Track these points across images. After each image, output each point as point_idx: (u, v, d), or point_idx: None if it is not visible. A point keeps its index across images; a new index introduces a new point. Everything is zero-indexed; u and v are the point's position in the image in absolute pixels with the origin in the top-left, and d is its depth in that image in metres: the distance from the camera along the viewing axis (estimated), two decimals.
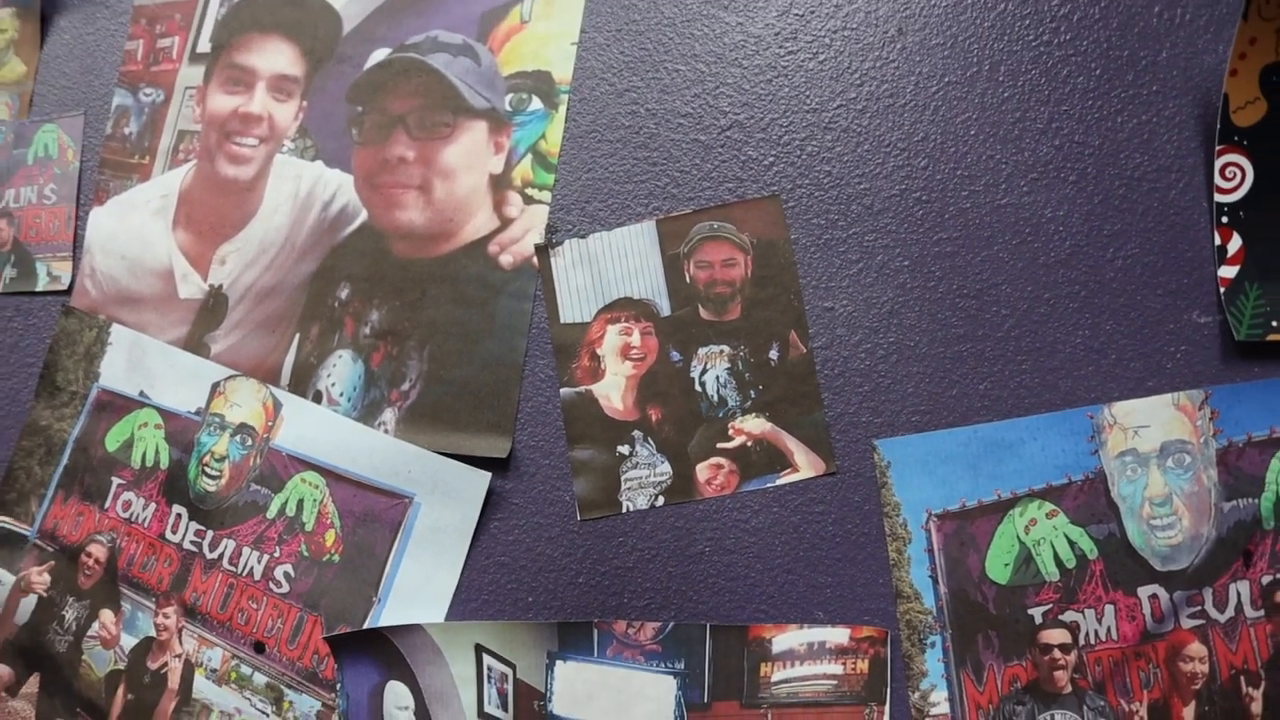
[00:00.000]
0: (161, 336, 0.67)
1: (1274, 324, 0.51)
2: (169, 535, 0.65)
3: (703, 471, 0.57)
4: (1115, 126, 0.54)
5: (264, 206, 0.66)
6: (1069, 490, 0.52)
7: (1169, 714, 0.51)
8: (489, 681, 0.56)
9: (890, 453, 0.54)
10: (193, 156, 0.69)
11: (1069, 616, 0.52)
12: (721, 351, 0.57)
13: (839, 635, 0.53)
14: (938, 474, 0.54)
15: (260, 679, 0.61)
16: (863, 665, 0.53)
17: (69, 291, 0.70)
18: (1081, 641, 0.52)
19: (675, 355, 0.58)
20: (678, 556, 0.57)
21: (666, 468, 0.57)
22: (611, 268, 0.59)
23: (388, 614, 0.59)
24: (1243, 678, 0.50)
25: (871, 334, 0.56)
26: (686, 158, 0.59)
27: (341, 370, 0.63)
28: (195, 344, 0.67)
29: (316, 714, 0.59)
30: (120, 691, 0.64)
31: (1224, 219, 0.52)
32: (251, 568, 0.62)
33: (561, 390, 0.59)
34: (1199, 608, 0.51)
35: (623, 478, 0.58)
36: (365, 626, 0.59)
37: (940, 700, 0.52)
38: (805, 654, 0.54)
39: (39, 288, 0.71)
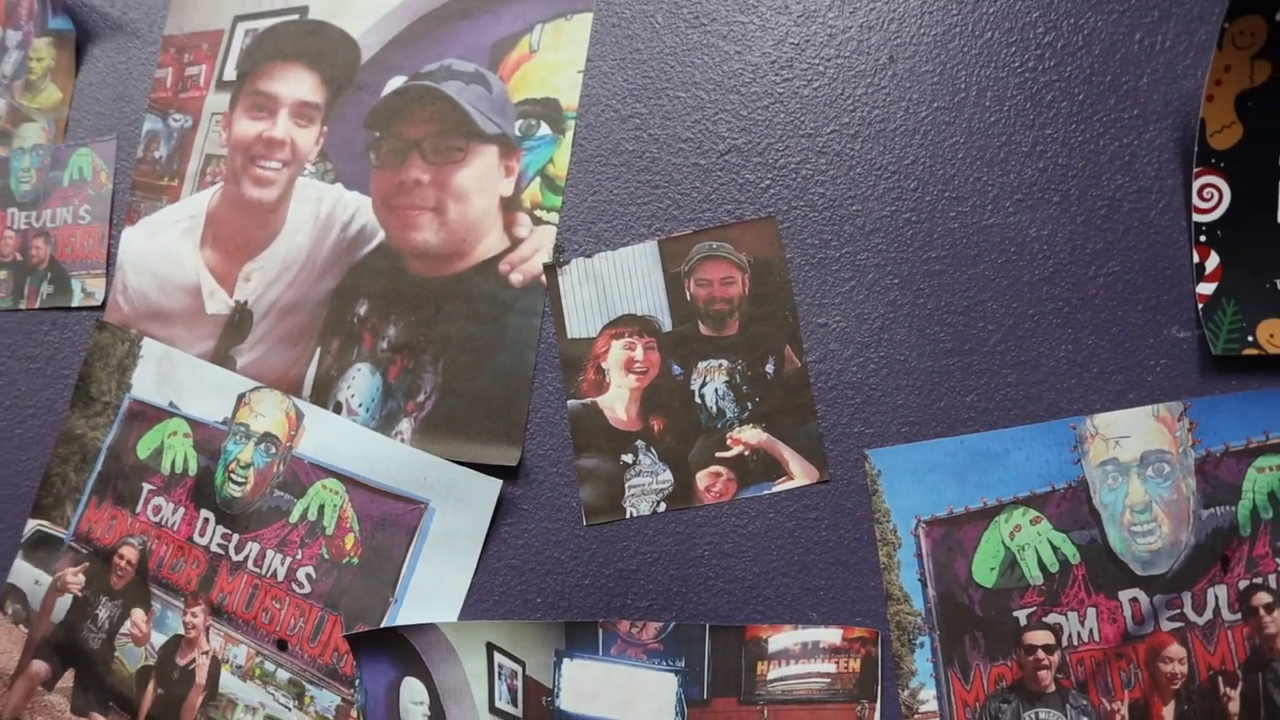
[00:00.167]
0: (190, 350, 0.68)
1: (1250, 339, 0.52)
2: (197, 538, 0.66)
3: (702, 479, 0.58)
4: (1097, 149, 0.56)
5: (287, 227, 0.67)
6: (1052, 498, 0.54)
7: (1149, 713, 0.52)
8: (500, 678, 0.58)
9: (881, 462, 0.56)
10: (219, 179, 0.70)
11: (1052, 619, 0.53)
12: (720, 365, 0.58)
13: (832, 635, 0.54)
14: (926, 482, 0.55)
15: (283, 675, 0.62)
16: (855, 664, 0.54)
17: (102, 307, 0.71)
18: (1065, 642, 0.53)
19: (676, 369, 0.59)
20: (679, 560, 0.58)
21: (668, 475, 0.58)
22: (616, 286, 0.60)
23: (404, 614, 0.60)
24: (1220, 678, 0.51)
25: (863, 348, 0.57)
26: (687, 181, 0.60)
27: (360, 382, 0.64)
28: (222, 357, 0.67)
29: (336, 709, 0.60)
30: (150, 686, 0.65)
31: (1202, 238, 0.53)
32: (275, 569, 0.63)
33: (568, 402, 0.60)
34: (1178, 611, 0.52)
35: (626, 485, 0.59)
36: (382, 626, 0.60)
37: (929, 698, 0.53)
38: (800, 653, 0.55)
39: (74, 303, 0.72)
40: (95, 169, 0.73)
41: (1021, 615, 0.53)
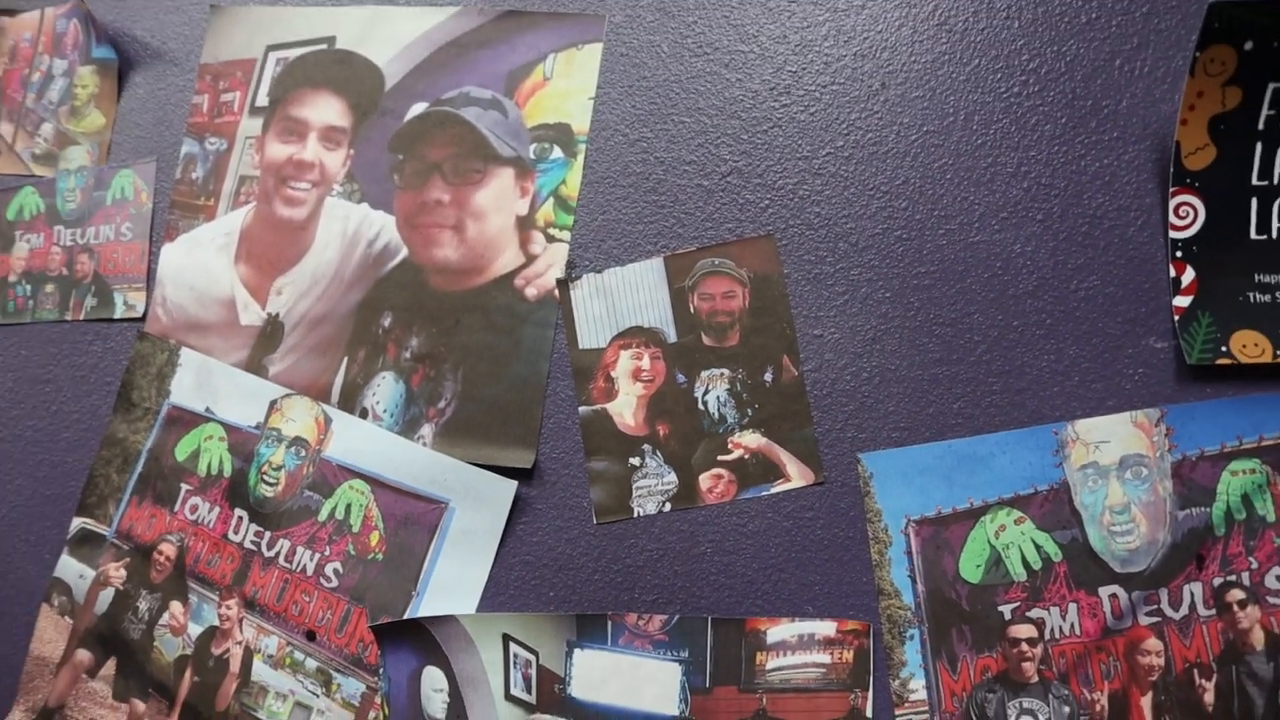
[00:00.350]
0: (225, 359, 0.69)
1: (1224, 349, 0.54)
2: (231, 536, 0.67)
3: (705, 481, 0.59)
4: (1079, 169, 0.57)
5: (316, 244, 0.68)
6: (1035, 499, 0.55)
7: (1127, 703, 0.53)
8: (515, 667, 0.59)
9: (873, 465, 0.57)
10: (252, 199, 0.70)
11: (1035, 613, 0.54)
12: (722, 374, 0.60)
13: (827, 628, 0.56)
14: (916, 484, 0.56)
15: (312, 664, 0.63)
16: (848, 655, 0.55)
17: (143, 319, 0.72)
18: (1047, 636, 0.54)
19: (681, 377, 0.60)
20: (682, 556, 0.59)
21: (673, 477, 0.60)
22: (624, 299, 0.62)
23: (425, 606, 0.61)
24: (1196, 670, 0.52)
25: (856, 358, 0.58)
26: (691, 201, 0.62)
27: (385, 390, 0.65)
28: (255, 366, 0.68)
29: (361, 696, 0.62)
30: (187, 674, 0.66)
31: (1178, 253, 0.55)
32: (304, 565, 0.64)
33: (580, 408, 0.62)
34: (1155, 606, 0.53)
35: (634, 486, 0.60)
36: (405, 617, 0.61)
37: (918, 688, 0.55)
38: (796, 644, 0.56)
39: (116, 315, 0.73)
40: (136, 189, 0.74)
41: (1006, 610, 0.54)
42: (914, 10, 0.60)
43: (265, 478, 0.66)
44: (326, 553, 0.64)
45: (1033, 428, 0.55)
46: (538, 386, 0.62)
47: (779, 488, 0.58)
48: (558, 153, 0.64)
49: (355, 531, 0.64)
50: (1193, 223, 0.55)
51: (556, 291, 0.63)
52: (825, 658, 0.56)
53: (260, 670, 0.64)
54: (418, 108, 0.67)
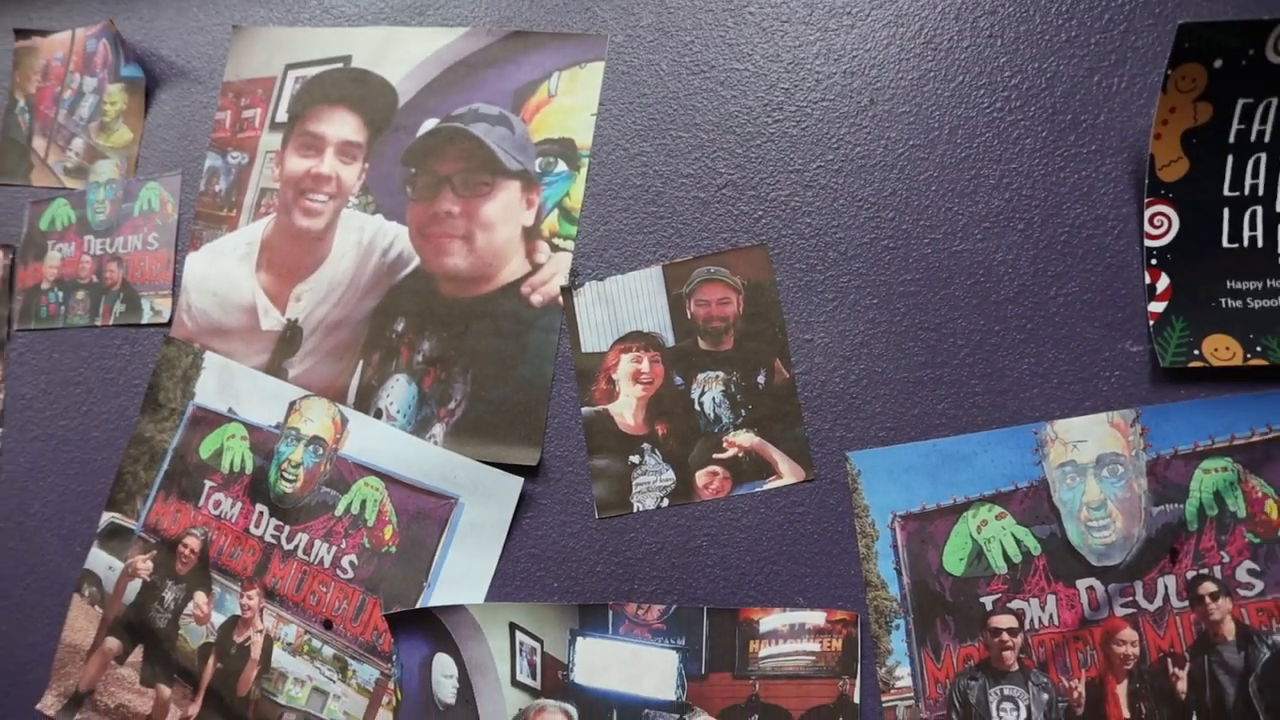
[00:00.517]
0: (247, 362, 0.71)
1: (1196, 353, 0.55)
2: (252, 529, 0.68)
3: (701, 478, 0.61)
4: (1059, 181, 0.59)
5: (333, 253, 0.70)
6: (1016, 495, 0.57)
7: (1104, 691, 0.54)
8: (520, 654, 0.60)
9: (861, 463, 0.59)
10: (272, 210, 0.72)
11: (1016, 604, 0.56)
12: (717, 376, 0.61)
13: (817, 618, 0.58)
14: (901, 481, 0.58)
15: (329, 651, 0.65)
16: (837, 644, 0.57)
17: (169, 324, 0.74)
18: (1027, 626, 0.55)
19: (678, 379, 0.62)
20: (680, 550, 0.61)
21: (670, 474, 0.61)
22: (625, 306, 0.63)
23: (436, 596, 0.63)
24: (1169, 660, 0.54)
25: (845, 361, 0.60)
26: (688, 212, 0.64)
27: (398, 391, 0.66)
28: (275, 368, 0.70)
29: (376, 681, 0.64)
30: (211, 661, 0.68)
31: (1153, 261, 0.56)
32: (322, 557, 0.66)
33: (582, 409, 0.63)
34: (1131, 598, 0.55)
35: (633, 483, 0.62)
36: (417, 607, 0.63)
37: (904, 675, 0.56)
38: (788, 633, 0.58)
39: (144, 320, 0.75)
40: (162, 201, 0.76)
41: (988, 601, 0.56)
42: (901, 30, 0.62)
43: (285, 475, 0.68)
44: (343, 546, 0.66)
45: (1013, 427, 0.57)
46: (543, 388, 0.64)
47: (771, 484, 0.60)
48: (562, 166, 0.66)
49: (370, 525, 0.66)
50: (1167, 232, 0.56)
51: (560, 298, 0.64)
52: (815, 646, 0.57)
53: (280, 657, 0.66)
54: (429, 124, 0.69)
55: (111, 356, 0.76)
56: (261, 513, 0.69)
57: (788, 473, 0.60)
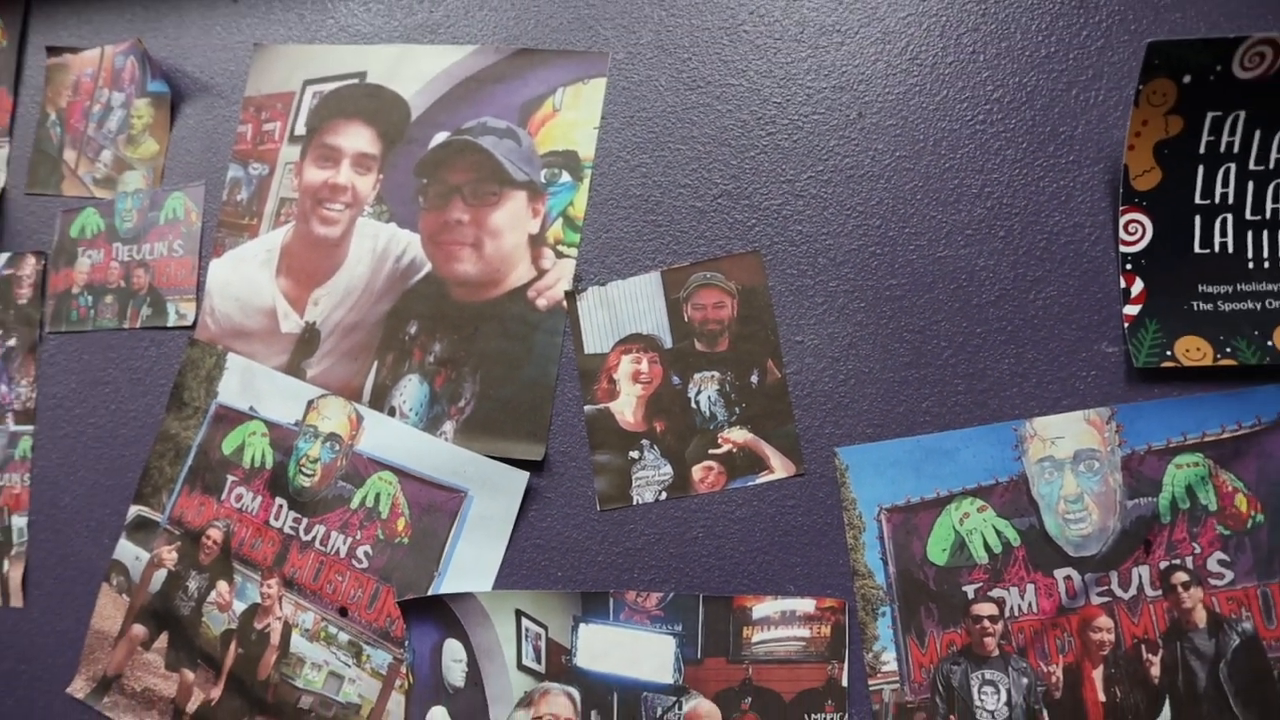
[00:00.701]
0: (267, 363, 0.73)
1: (1168, 353, 0.57)
2: (272, 522, 0.70)
3: (697, 472, 0.63)
4: (1038, 190, 0.60)
5: (349, 259, 0.72)
6: (996, 489, 0.58)
7: (1080, 675, 0.56)
8: (526, 639, 0.62)
9: (849, 458, 0.61)
10: (291, 219, 0.74)
11: (996, 593, 0.58)
12: (713, 376, 0.63)
13: (807, 605, 0.59)
14: (887, 475, 0.60)
15: (344, 637, 0.67)
16: (826, 630, 0.59)
17: (193, 327, 0.76)
18: (1007, 614, 0.57)
19: (676, 379, 0.64)
20: (677, 540, 0.63)
21: (668, 469, 0.63)
22: (625, 309, 0.65)
23: (446, 585, 0.65)
24: (1143, 646, 0.56)
25: (834, 362, 0.62)
26: (685, 220, 0.66)
27: (411, 390, 0.68)
28: (294, 369, 0.72)
29: (389, 666, 0.66)
30: (232, 647, 0.70)
31: (1128, 266, 0.58)
32: (338, 548, 0.68)
33: (585, 407, 0.65)
34: (1106, 587, 0.56)
35: (633, 477, 0.64)
36: (428, 595, 0.65)
37: (890, 660, 0.58)
38: (779, 620, 0.60)
39: (169, 324, 0.77)
40: (187, 210, 0.78)
41: (969, 589, 0.58)
42: (888, 46, 0.64)
43: (303, 469, 0.70)
44: (358, 537, 0.68)
45: (994, 424, 0.59)
46: (547, 387, 0.66)
47: (764, 478, 0.62)
48: (566, 177, 0.68)
49: (384, 518, 0.68)
50: (1141, 238, 0.58)
51: (564, 302, 0.66)
52: (805, 632, 0.59)
53: (298, 643, 0.68)
54: (440, 136, 0.71)
55: (139, 358, 0.78)
56: (281, 506, 0.71)
57: (779, 467, 0.62)
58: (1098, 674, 0.56)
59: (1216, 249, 0.58)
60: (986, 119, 0.62)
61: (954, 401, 0.60)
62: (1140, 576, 0.56)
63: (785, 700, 0.59)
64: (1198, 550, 0.56)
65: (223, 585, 0.71)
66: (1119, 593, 0.56)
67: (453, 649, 0.63)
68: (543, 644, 0.62)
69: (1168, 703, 0.55)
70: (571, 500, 0.65)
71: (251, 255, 0.75)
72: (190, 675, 0.72)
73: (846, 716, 0.58)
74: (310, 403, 0.71)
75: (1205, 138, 0.57)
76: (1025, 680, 0.57)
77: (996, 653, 0.57)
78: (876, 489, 0.60)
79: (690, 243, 0.66)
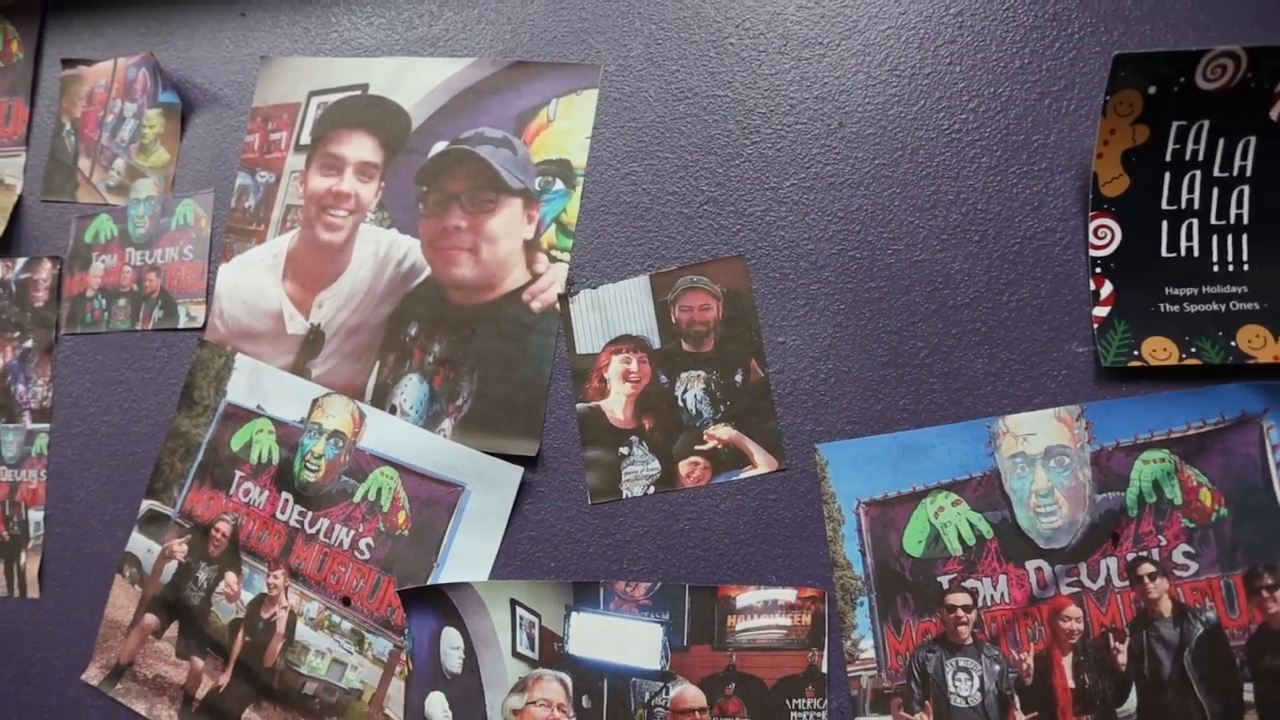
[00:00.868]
0: (274, 363, 0.74)
1: (1136, 353, 0.59)
2: (278, 515, 0.72)
3: (684, 467, 0.64)
4: (1011, 196, 0.62)
5: (352, 264, 0.73)
6: (970, 484, 0.60)
7: (1050, 663, 0.58)
8: (520, 628, 0.64)
9: (828, 454, 0.62)
10: (297, 225, 0.75)
11: (970, 583, 0.59)
12: (699, 375, 0.65)
13: (788, 595, 0.61)
14: (865, 470, 0.61)
15: (347, 625, 0.69)
16: (806, 619, 0.60)
17: (203, 329, 0.77)
18: (980, 603, 0.59)
19: (663, 378, 0.66)
20: (664, 533, 0.64)
21: (656, 464, 0.65)
22: (615, 311, 0.67)
23: (444, 575, 0.66)
24: (1111, 635, 0.57)
25: (815, 362, 0.63)
26: (673, 226, 0.67)
27: (411, 389, 0.70)
28: (300, 369, 0.73)
29: (389, 653, 0.67)
30: (240, 635, 0.71)
31: (1098, 269, 0.60)
32: (341, 540, 0.69)
33: (577, 405, 0.67)
34: (1075, 578, 0.58)
35: (623, 472, 0.65)
36: (427, 585, 0.66)
37: (868, 647, 0.60)
38: (762, 609, 0.61)
39: (180, 325, 0.78)
40: (197, 216, 0.79)
41: (944, 580, 0.59)
42: (868, 58, 0.66)
43: (308, 465, 0.72)
44: (360, 530, 0.70)
45: (968, 422, 0.60)
46: (541, 386, 0.67)
47: (747, 473, 0.63)
48: (559, 185, 0.69)
49: (385, 511, 0.69)
50: (1110, 243, 0.60)
51: (558, 305, 0.68)
52: (787, 621, 0.61)
53: (303, 631, 0.70)
54: (439, 146, 0.73)
55: (150, 358, 0.80)
56: (287, 500, 0.72)
57: (762, 463, 0.63)
58: (1067, 661, 0.57)
59: (1183, 253, 0.59)
60: (962, 128, 0.64)
61: (930, 400, 0.61)
62: (1108, 568, 0.58)
63: (767, 686, 0.60)
64: (1164, 543, 0.57)
65: (231, 576, 0.73)
66: (1088, 583, 0.58)
67: (451, 637, 0.65)
68: (536, 632, 0.64)
69: (1134, 689, 0.56)
70: (564, 494, 0.67)
71: (259, 260, 0.77)
72: (200, 663, 0.73)
73: (826, 702, 0.60)
74: (315, 401, 0.73)
75: (1171, 146, 0.59)
76: (997, 667, 0.58)
77: (970, 641, 0.59)
78: (855, 484, 0.61)
79: (678, 248, 0.67)
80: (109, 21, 0.86)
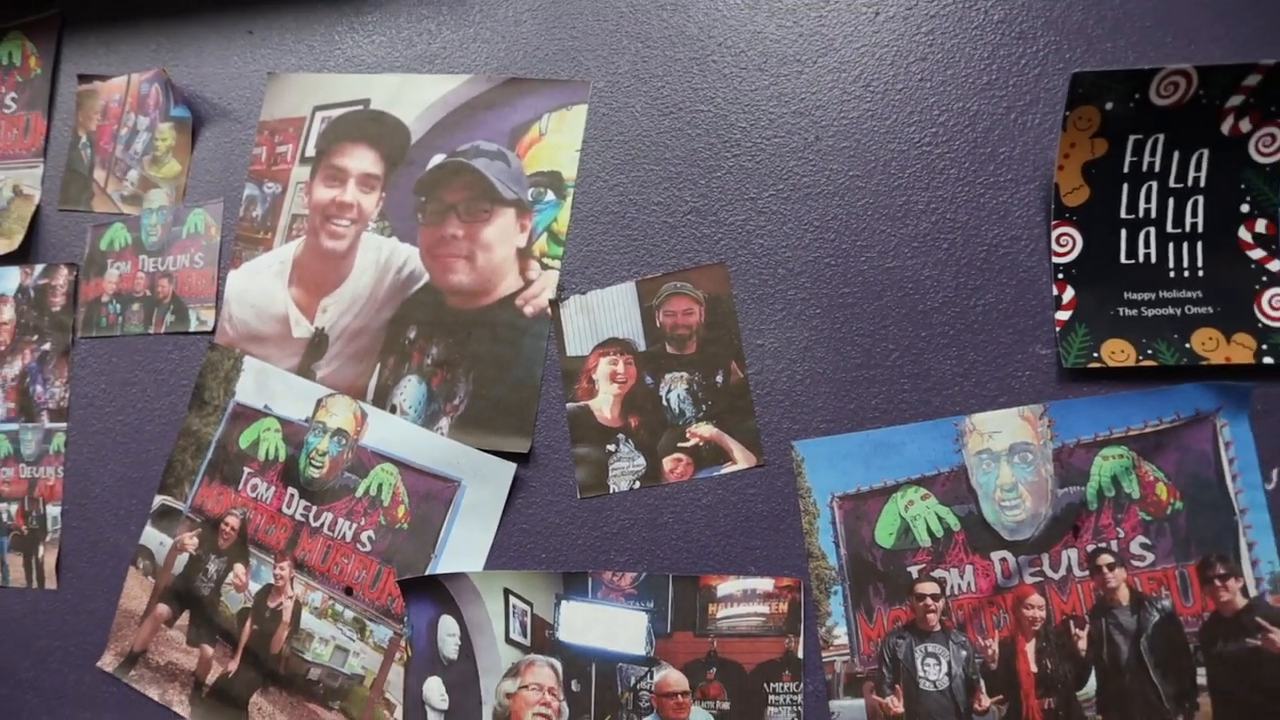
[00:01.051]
0: (280, 365, 0.75)
1: (1095, 355, 0.60)
2: (284, 509, 0.73)
3: (667, 464, 0.66)
4: (979, 206, 0.64)
5: (354, 270, 0.75)
6: (938, 479, 0.62)
7: (1014, 648, 0.60)
8: (513, 615, 0.65)
9: (804, 450, 0.64)
10: (302, 233, 0.77)
11: (938, 573, 0.61)
12: (682, 376, 0.66)
13: (766, 584, 0.63)
14: (839, 466, 0.63)
15: (349, 614, 0.70)
16: (783, 607, 0.62)
17: (213, 332, 0.79)
18: (948, 592, 0.61)
19: (649, 379, 0.67)
20: (649, 525, 0.66)
21: (641, 461, 0.66)
22: (604, 316, 0.68)
23: (442, 566, 0.68)
24: (1072, 622, 0.59)
25: (791, 363, 0.65)
26: (658, 235, 0.69)
27: (410, 390, 0.71)
28: (305, 370, 0.75)
29: (389, 640, 0.69)
30: (248, 623, 0.73)
31: (1060, 275, 0.62)
32: (344, 533, 0.71)
33: (567, 405, 0.68)
34: (1038, 569, 0.60)
35: (610, 468, 0.67)
36: (425, 575, 0.68)
37: (841, 634, 0.62)
38: (741, 597, 0.63)
39: (191, 329, 0.80)
40: (207, 225, 0.81)
41: (914, 570, 0.61)
42: (842, 75, 0.68)
43: (313, 462, 0.73)
44: (362, 523, 0.71)
45: (937, 420, 0.62)
46: (533, 387, 0.69)
47: (727, 469, 0.65)
48: (551, 195, 0.71)
49: (385, 505, 0.71)
50: (1072, 250, 0.62)
51: (549, 309, 0.69)
52: (765, 608, 0.62)
53: (307, 620, 0.72)
54: (437, 158, 0.74)
55: (163, 360, 0.81)
56: (292, 495, 0.74)
57: (741, 459, 0.65)
58: (1030, 647, 0.59)
59: (1140, 259, 0.61)
60: (933, 141, 0.65)
61: (900, 399, 0.63)
62: (1069, 558, 0.59)
63: (747, 670, 0.62)
64: (1122, 535, 0.59)
65: (239, 568, 0.75)
66: (1050, 573, 0.59)
67: (447, 624, 0.67)
68: (528, 619, 0.65)
69: (1094, 673, 0.58)
70: (554, 489, 0.68)
71: (266, 266, 0.79)
72: (209, 650, 0.75)
73: (802, 685, 0.62)
74: (319, 401, 0.74)
75: (1129, 158, 0.61)
76: (964, 653, 0.60)
77: (938, 628, 0.60)
78: (830, 479, 0.63)
79: (662, 255, 0.69)
80: (123, 39, 0.89)
